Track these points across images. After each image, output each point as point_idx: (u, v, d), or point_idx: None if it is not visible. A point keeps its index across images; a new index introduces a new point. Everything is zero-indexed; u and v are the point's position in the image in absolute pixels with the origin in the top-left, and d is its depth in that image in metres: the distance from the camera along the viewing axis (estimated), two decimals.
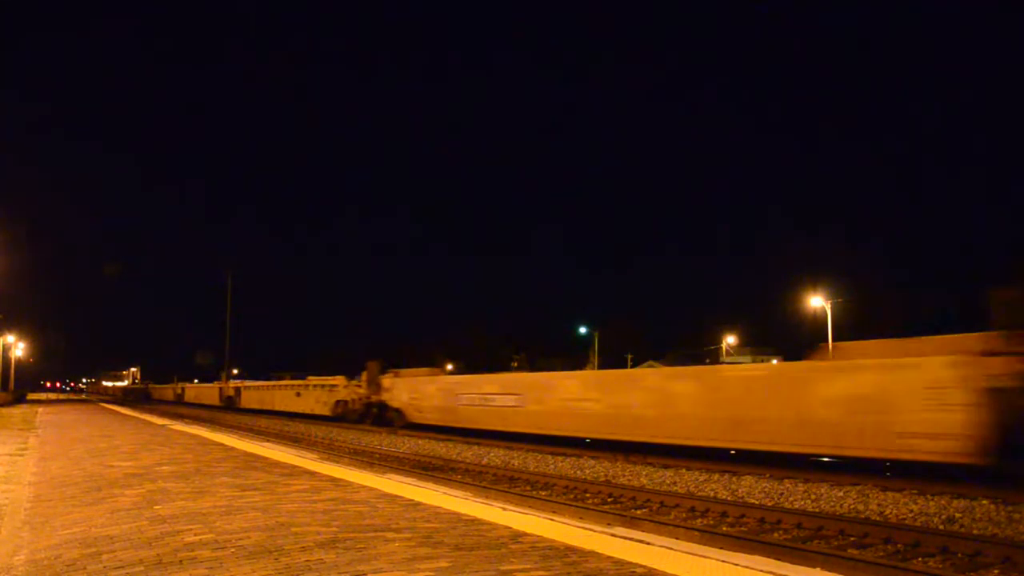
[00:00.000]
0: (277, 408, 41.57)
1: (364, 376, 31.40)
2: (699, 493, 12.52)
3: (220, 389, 57.25)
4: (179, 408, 61.33)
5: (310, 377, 39.38)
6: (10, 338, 67.04)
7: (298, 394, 38.53)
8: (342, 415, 32.83)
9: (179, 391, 74.69)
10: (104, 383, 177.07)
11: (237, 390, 52.65)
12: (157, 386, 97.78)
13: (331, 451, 20.88)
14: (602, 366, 61.39)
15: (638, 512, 11.15)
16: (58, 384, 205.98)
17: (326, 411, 34.57)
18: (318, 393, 36.01)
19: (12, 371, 67.25)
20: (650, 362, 65.83)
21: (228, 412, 48.50)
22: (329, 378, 36.35)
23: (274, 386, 45.28)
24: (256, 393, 48.29)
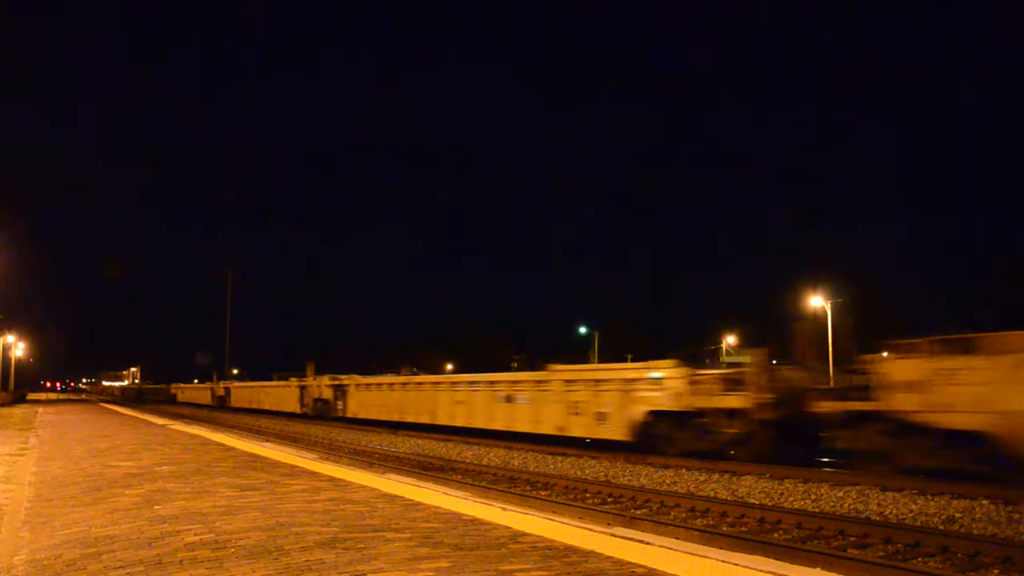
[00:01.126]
0: (465, 422, 24.09)
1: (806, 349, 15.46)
2: (699, 493, 12.53)
3: (302, 389, 38.29)
4: (214, 414, 46.92)
5: (574, 367, 22.01)
6: (10, 338, 67.03)
7: (508, 399, 22.04)
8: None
9: (221, 392, 56.73)
10: (104, 383, 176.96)
11: (339, 390, 33.81)
12: (184, 386, 79.09)
13: (331, 451, 20.89)
14: None
15: (638, 512, 11.15)
16: (58, 384, 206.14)
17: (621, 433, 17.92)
18: (609, 396, 18.46)
19: (12, 371, 67.24)
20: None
21: (323, 424, 32.68)
22: (643, 365, 18.54)
23: (440, 383, 26.58)
24: (384, 396, 29.71)
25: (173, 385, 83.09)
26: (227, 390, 55.31)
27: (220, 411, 50.36)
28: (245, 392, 51.22)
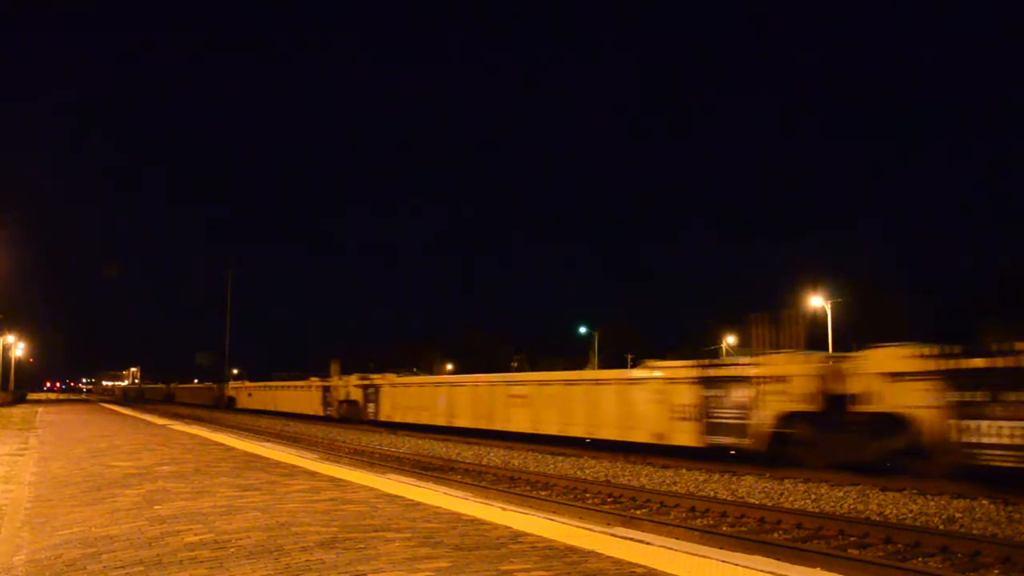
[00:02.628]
0: None
1: None
2: (699, 493, 12.52)
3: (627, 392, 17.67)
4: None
5: None
6: (10, 338, 67.03)
7: None
8: None
9: (351, 395, 32.52)
10: (104, 383, 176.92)
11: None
12: (253, 384, 52.00)
13: (331, 451, 20.89)
14: (602, 366, 61.36)
15: (638, 512, 11.15)
16: (58, 384, 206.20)
17: None
18: None
19: (12, 371, 67.25)
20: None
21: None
22: None
23: None
24: None
25: (229, 385, 56.61)
26: (372, 391, 30.19)
27: (361, 428, 29.55)
28: (427, 394, 26.77)
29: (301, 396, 39.53)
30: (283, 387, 44.33)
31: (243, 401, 50.27)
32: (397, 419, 28.40)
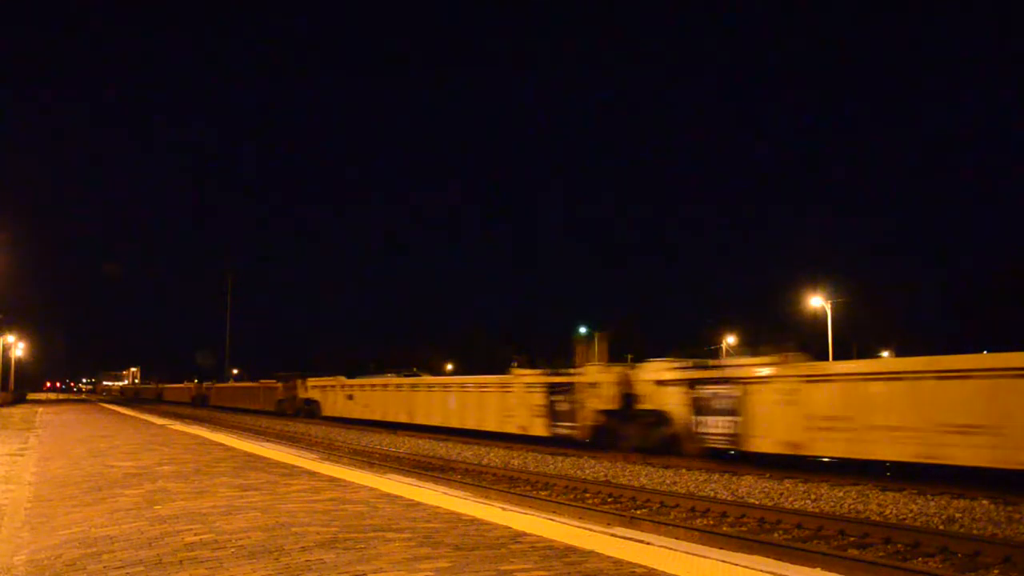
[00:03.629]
0: None
1: None
2: (699, 493, 12.53)
3: None
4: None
5: None
6: (10, 338, 66.97)
7: None
8: None
9: (652, 396, 17.29)
10: (105, 383, 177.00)
11: None
12: (355, 382, 34.47)
13: (331, 451, 20.90)
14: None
15: (638, 512, 11.16)
16: (58, 384, 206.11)
17: None
18: None
19: (12, 371, 67.21)
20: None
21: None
22: None
23: None
24: None
25: (308, 383, 38.79)
26: (718, 392, 15.88)
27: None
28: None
29: (483, 401, 23.98)
30: (431, 386, 28.13)
31: (334, 406, 35.00)
32: (816, 451, 14.20)
